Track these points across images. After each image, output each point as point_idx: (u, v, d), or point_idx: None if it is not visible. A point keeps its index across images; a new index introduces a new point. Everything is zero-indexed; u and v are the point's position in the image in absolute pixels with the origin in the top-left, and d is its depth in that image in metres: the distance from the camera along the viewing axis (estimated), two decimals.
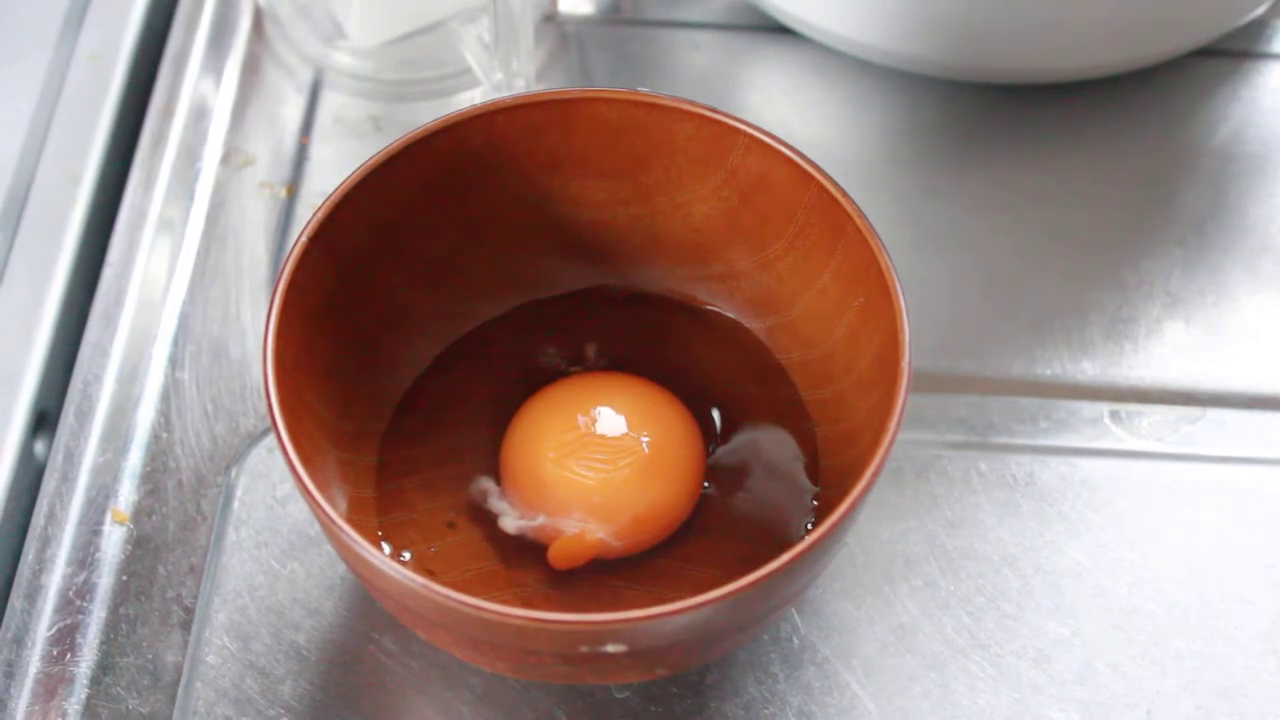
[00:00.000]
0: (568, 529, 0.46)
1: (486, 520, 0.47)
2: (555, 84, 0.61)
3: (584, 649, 0.40)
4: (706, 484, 0.48)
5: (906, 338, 0.43)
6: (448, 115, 0.47)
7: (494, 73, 0.58)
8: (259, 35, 0.62)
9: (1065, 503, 0.51)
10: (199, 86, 0.61)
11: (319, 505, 0.41)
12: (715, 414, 0.49)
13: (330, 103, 0.61)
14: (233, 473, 0.52)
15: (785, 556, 0.40)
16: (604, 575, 0.46)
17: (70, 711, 0.47)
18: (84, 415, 0.52)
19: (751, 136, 0.47)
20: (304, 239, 0.45)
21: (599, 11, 0.64)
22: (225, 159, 0.59)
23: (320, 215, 0.45)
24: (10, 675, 0.47)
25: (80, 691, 0.47)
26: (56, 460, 0.51)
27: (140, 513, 0.51)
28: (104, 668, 0.48)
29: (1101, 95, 0.61)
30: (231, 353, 0.54)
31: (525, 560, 0.46)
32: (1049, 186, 0.59)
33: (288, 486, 0.51)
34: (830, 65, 0.62)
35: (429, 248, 0.49)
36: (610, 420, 0.47)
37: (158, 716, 0.47)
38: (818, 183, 0.46)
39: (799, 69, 0.62)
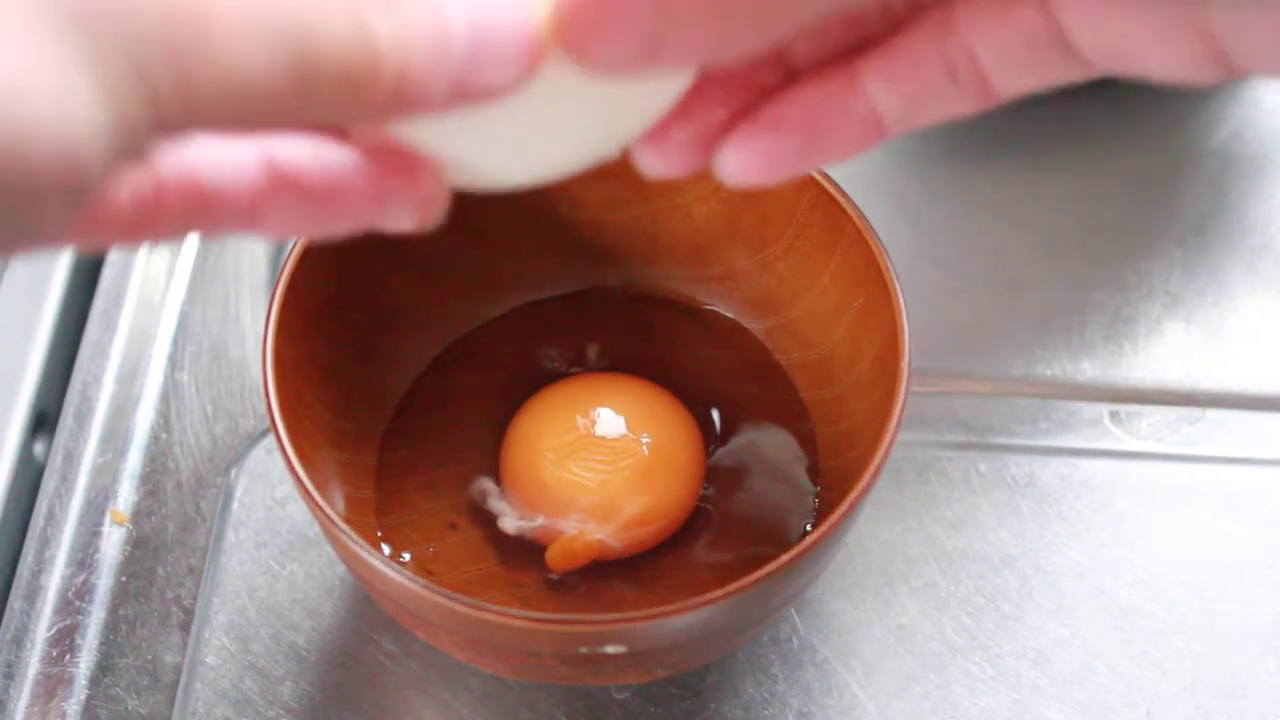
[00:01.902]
0: (567, 530, 0.46)
1: (486, 521, 0.47)
2: None
3: (583, 650, 0.40)
4: (706, 485, 0.48)
5: (906, 338, 0.43)
6: None
7: None
8: None
9: (1065, 503, 0.51)
10: None
11: (318, 506, 0.41)
12: (715, 415, 0.49)
13: None
14: (232, 473, 0.52)
15: (785, 557, 0.39)
16: (604, 576, 0.46)
17: (69, 712, 0.47)
18: (83, 416, 0.52)
19: None
20: (303, 239, 0.45)
21: None
22: None
23: None
24: (10, 676, 0.47)
25: (79, 692, 0.47)
26: (56, 461, 0.51)
27: (139, 514, 0.51)
28: (103, 668, 0.48)
29: (1101, 95, 0.60)
30: (231, 353, 0.54)
31: (525, 561, 0.46)
32: (1049, 186, 0.59)
33: (287, 487, 0.51)
34: None
35: (429, 248, 0.49)
36: (610, 421, 0.47)
37: (157, 717, 0.47)
38: (818, 183, 0.46)
39: None
